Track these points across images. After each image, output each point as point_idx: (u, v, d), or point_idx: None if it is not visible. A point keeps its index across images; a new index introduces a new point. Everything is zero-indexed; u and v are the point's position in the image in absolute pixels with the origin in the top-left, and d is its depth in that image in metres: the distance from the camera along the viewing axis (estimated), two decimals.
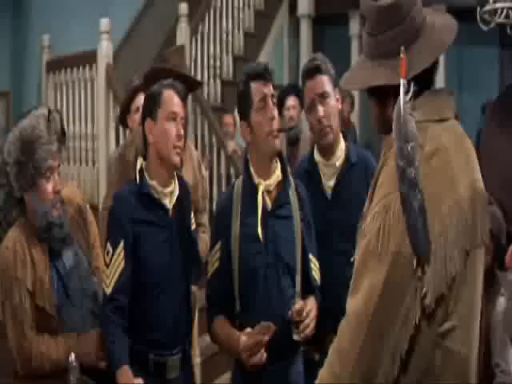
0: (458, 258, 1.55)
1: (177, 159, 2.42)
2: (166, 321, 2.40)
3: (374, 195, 1.61)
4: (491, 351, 2.98)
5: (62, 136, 2.40)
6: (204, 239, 3.11)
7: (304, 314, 2.28)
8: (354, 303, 1.58)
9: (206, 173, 3.35)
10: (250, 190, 2.41)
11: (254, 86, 2.37)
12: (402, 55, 1.59)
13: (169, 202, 2.45)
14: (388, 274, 1.52)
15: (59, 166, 2.39)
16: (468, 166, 1.63)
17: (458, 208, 1.56)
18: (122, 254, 2.35)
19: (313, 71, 2.61)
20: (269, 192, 2.41)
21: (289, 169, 2.50)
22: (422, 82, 1.62)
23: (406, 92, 1.58)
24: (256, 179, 2.41)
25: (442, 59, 7.74)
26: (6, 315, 2.35)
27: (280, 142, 2.41)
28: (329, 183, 2.64)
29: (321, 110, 2.58)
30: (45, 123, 2.34)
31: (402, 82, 1.57)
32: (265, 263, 2.37)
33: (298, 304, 2.30)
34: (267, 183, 2.40)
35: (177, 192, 2.48)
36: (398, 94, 1.58)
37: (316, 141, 2.70)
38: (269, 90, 2.37)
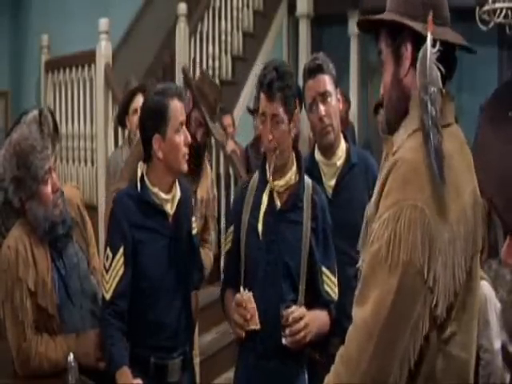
0: (465, 265, 1.55)
1: (186, 167, 2.43)
2: (166, 325, 2.40)
3: (380, 201, 1.56)
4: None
5: (56, 133, 2.40)
6: (209, 256, 3.13)
7: (290, 319, 2.26)
8: (362, 313, 1.53)
9: (215, 192, 3.41)
10: (262, 186, 2.42)
11: (263, 100, 2.37)
12: (430, 16, 1.57)
13: (170, 208, 2.44)
14: (399, 285, 1.47)
15: (55, 161, 2.40)
16: (469, 173, 1.61)
17: (464, 216, 1.55)
18: (122, 259, 2.35)
19: (315, 70, 2.61)
20: (280, 193, 2.40)
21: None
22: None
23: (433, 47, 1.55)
24: (269, 177, 2.41)
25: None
26: (6, 315, 2.35)
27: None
28: (329, 183, 2.64)
29: (322, 109, 2.58)
30: (37, 128, 2.33)
31: (430, 36, 1.55)
32: (265, 260, 2.37)
33: (290, 308, 2.29)
34: (276, 183, 2.39)
35: (178, 197, 2.47)
36: (416, 53, 1.57)
37: (317, 140, 2.70)
38: (273, 108, 2.35)
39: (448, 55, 1.61)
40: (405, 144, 1.58)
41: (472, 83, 8.55)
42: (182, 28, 6.42)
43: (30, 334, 2.34)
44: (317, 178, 2.66)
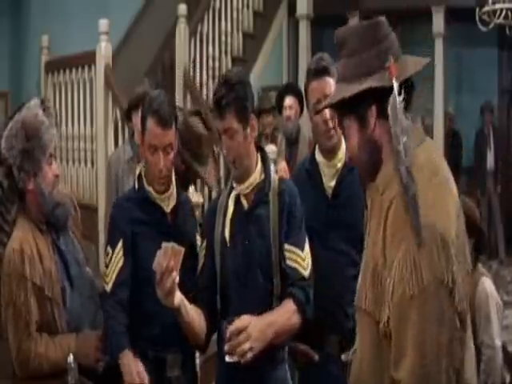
0: (468, 254, 1.64)
1: (159, 188, 2.45)
2: (164, 318, 2.37)
3: (387, 245, 1.58)
4: (476, 330, 3.04)
5: (56, 126, 2.47)
6: None
7: (228, 334, 2.12)
8: (404, 369, 1.53)
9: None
10: (230, 191, 2.41)
11: (216, 119, 2.36)
12: (390, 62, 1.61)
13: (167, 206, 2.47)
14: (432, 311, 1.51)
15: (55, 156, 2.49)
16: (452, 182, 1.68)
17: (460, 210, 1.64)
18: (121, 252, 2.39)
19: (321, 71, 2.58)
20: (246, 194, 2.38)
21: (273, 168, 2.47)
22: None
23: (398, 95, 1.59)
24: (234, 184, 2.40)
25: (441, 60, 7.73)
26: (8, 316, 2.36)
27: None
28: (329, 183, 2.63)
29: (327, 111, 2.56)
30: (42, 111, 2.41)
31: (395, 83, 1.59)
32: (239, 265, 2.33)
33: (231, 324, 2.16)
34: (241, 187, 2.37)
35: (175, 197, 2.49)
36: (381, 106, 1.62)
37: (318, 142, 2.68)
38: (225, 124, 2.30)
39: (406, 82, 1.65)
40: (394, 180, 1.61)
41: (472, 83, 8.56)
42: (181, 29, 6.43)
43: (30, 335, 2.34)
44: (317, 178, 2.66)
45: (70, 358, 2.20)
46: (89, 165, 5.93)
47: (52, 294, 2.37)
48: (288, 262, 2.32)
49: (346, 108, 1.70)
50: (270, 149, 4.91)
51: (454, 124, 7.98)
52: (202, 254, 2.42)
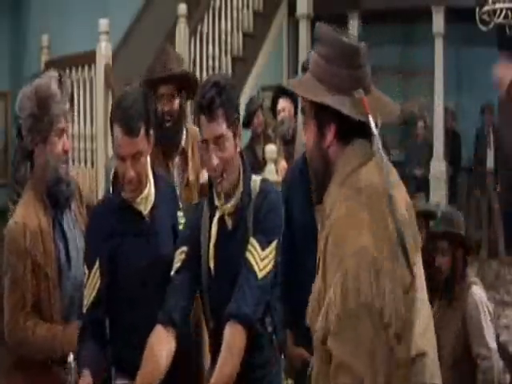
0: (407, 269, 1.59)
1: (129, 195, 2.31)
2: (147, 322, 2.23)
3: (327, 269, 1.58)
4: (470, 343, 3.04)
5: (71, 99, 2.49)
6: None
7: None
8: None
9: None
10: (212, 216, 2.26)
11: (203, 125, 2.20)
12: (360, 95, 1.58)
13: (144, 209, 2.35)
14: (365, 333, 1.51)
15: (67, 130, 2.47)
16: (399, 191, 1.65)
17: (391, 232, 1.59)
18: (98, 273, 2.28)
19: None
20: (231, 213, 2.23)
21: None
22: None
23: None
24: (218, 203, 2.24)
25: (440, 59, 7.70)
26: (6, 287, 2.39)
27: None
28: None
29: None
30: (57, 84, 2.42)
31: (370, 118, 1.57)
32: (226, 293, 2.20)
33: None
34: (225, 207, 2.22)
35: (152, 196, 2.37)
36: (341, 129, 1.61)
37: None
38: (216, 129, 2.15)
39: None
40: (337, 204, 1.61)
41: (472, 83, 8.55)
42: (182, 28, 6.43)
43: (27, 306, 2.37)
44: (309, 179, 2.65)
45: (70, 357, 2.19)
46: (89, 164, 5.93)
47: (50, 273, 2.39)
48: (247, 253, 2.18)
49: (309, 106, 1.67)
50: (270, 148, 4.92)
51: (454, 122, 7.99)
52: (180, 257, 2.26)
